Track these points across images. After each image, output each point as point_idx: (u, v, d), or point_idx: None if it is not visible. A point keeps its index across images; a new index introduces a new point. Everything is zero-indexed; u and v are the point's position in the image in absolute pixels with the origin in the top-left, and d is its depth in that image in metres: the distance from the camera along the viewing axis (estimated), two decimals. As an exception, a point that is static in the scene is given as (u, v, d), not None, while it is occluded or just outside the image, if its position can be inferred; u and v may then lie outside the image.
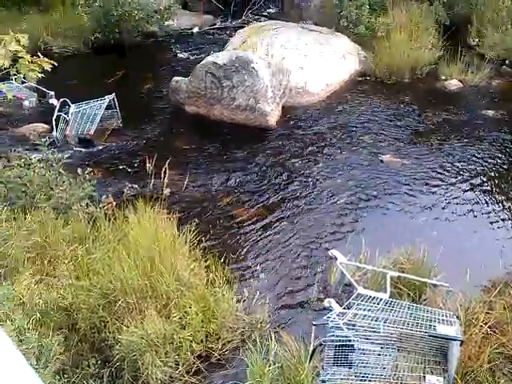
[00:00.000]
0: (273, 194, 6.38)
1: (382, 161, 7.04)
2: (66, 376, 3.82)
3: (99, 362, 3.95)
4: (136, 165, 6.73)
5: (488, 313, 4.15)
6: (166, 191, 5.75)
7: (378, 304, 3.90)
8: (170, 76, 8.59)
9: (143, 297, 4.23)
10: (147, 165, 5.42)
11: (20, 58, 4.57)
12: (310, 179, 6.67)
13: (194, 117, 8.06)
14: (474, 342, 3.85)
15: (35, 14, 10.86)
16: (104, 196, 5.67)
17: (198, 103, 8.04)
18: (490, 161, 6.99)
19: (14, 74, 4.69)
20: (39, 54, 4.73)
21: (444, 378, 3.75)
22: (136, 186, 6.14)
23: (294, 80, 8.39)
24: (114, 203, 5.62)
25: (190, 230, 4.90)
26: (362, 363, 3.84)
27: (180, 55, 10.63)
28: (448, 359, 3.80)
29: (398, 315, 3.83)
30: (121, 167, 6.78)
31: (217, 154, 7.16)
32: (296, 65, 8.65)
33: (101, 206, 5.28)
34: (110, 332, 4.06)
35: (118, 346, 3.92)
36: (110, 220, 5.07)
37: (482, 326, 3.96)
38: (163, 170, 5.46)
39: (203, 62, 8.08)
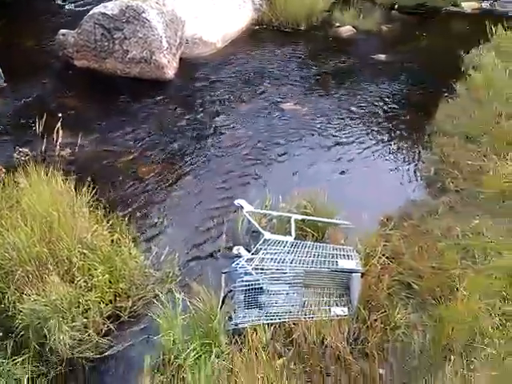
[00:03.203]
0: (175, 148, 6.24)
1: (283, 109, 7.11)
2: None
3: (1, 333, 3.74)
4: (24, 126, 6.21)
5: (385, 245, 4.44)
6: (61, 152, 5.42)
7: (285, 247, 4.02)
8: (56, 29, 7.97)
9: (43, 264, 4.02)
10: (37, 125, 5.02)
11: None
12: (211, 131, 6.59)
13: (85, 72, 7.58)
14: (374, 272, 4.11)
15: None
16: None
17: (88, 57, 7.57)
18: (385, 102, 7.29)
19: None
20: None
21: (348, 308, 3.98)
22: (26, 149, 5.72)
23: (189, 30, 8.13)
24: (4, 170, 5.20)
25: (89, 192, 4.69)
26: (272, 303, 3.98)
27: (66, 7, 9.88)
28: (351, 291, 4.03)
29: (303, 255, 3.98)
30: (7, 130, 6.27)
31: (112, 110, 6.82)
32: (190, 14, 8.36)
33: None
34: (10, 303, 3.84)
35: (20, 316, 3.73)
36: (-2, 186, 4.71)
37: (380, 257, 4.22)
38: (55, 129, 5.11)
39: (91, 12, 7.57)
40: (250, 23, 9.24)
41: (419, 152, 6.25)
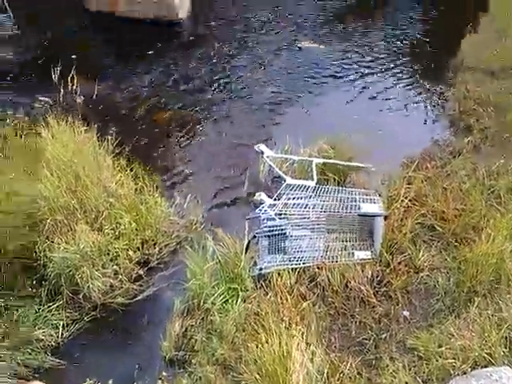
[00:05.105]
0: (192, 94, 6.15)
1: (300, 48, 6.90)
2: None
3: (34, 282, 3.88)
4: (40, 74, 6.14)
5: (408, 187, 4.39)
6: (79, 100, 5.37)
7: (307, 192, 4.02)
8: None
9: (71, 213, 4.10)
10: (52, 73, 4.94)
11: None
12: (228, 75, 6.46)
13: (96, 16, 7.37)
14: (397, 215, 4.10)
15: None
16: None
17: (100, 0, 7.34)
18: (405, 36, 7.01)
19: None
20: None
21: (371, 252, 4.02)
22: (46, 98, 5.67)
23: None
24: (26, 118, 5.19)
25: (110, 140, 4.69)
26: (296, 248, 4.04)
27: None
28: (374, 234, 4.06)
29: (325, 200, 3.99)
30: (22, 79, 6.19)
31: (127, 56, 6.69)
32: None
33: (8, 122, 4.86)
34: (41, 251, 3.96)
35: (52, 264, 3.86)
36: (21, 137, 4.73)
37: (403, 200, 4.20)
38: (72, 77, 5.03)
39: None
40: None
41: (443, 89, 6.07)
